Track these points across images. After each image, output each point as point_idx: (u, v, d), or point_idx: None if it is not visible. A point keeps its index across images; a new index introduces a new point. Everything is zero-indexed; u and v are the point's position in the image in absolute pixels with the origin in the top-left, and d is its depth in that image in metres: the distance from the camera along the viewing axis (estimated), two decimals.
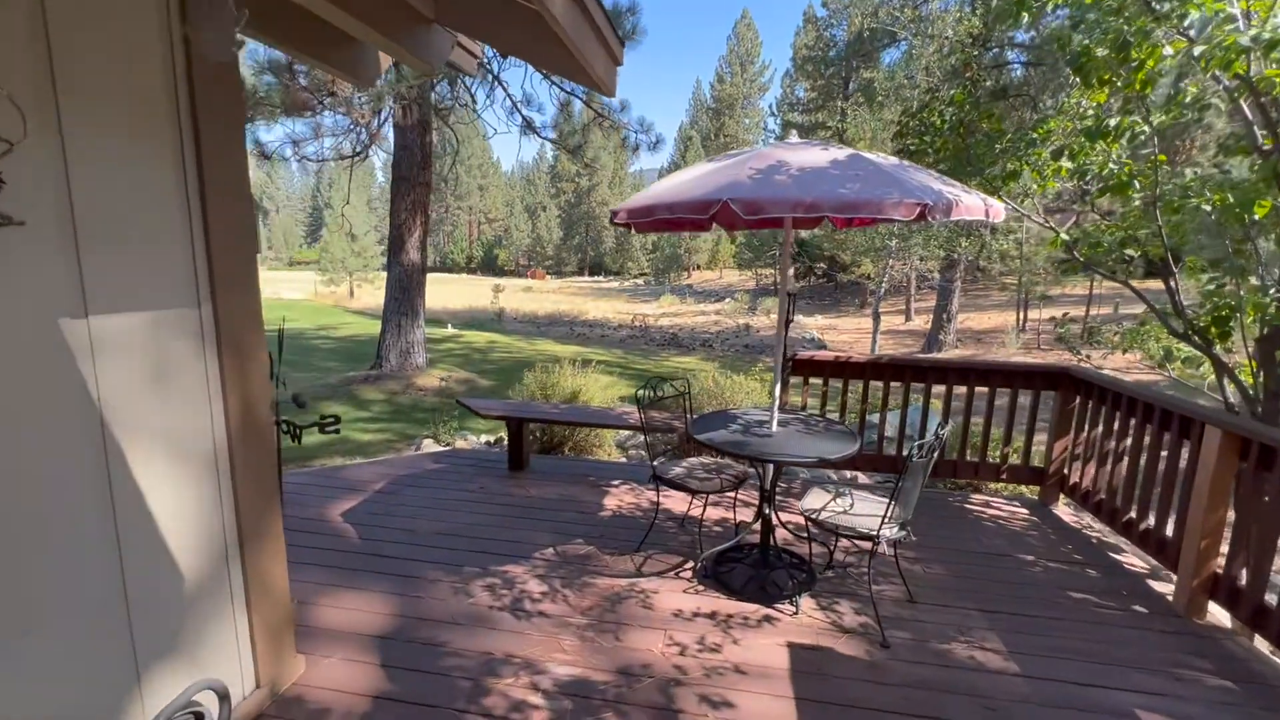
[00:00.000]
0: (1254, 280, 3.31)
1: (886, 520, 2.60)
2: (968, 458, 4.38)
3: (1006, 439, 4.31)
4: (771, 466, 3.03)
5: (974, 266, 19.97)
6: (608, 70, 2.32)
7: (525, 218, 65.92)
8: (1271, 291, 3.20)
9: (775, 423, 3.12)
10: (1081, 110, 4.20)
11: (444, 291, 32.45)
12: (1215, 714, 2.24)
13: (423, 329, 10.53)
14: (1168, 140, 4.42)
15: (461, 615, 2.74)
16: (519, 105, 10.04)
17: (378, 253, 31.44)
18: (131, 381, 1.65)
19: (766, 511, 3.11)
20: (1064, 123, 4.30)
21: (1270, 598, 2.56)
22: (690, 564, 3.23)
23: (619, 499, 4.10)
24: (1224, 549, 2.82)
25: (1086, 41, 3.51)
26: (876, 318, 19.11)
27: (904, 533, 2.68)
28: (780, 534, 3.49)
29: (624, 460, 5.60)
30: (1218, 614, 2.87)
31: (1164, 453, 3.17)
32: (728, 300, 33.44)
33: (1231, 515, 2.86)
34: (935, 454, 2.63)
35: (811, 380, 4.52)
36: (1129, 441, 3.42)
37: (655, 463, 3.34)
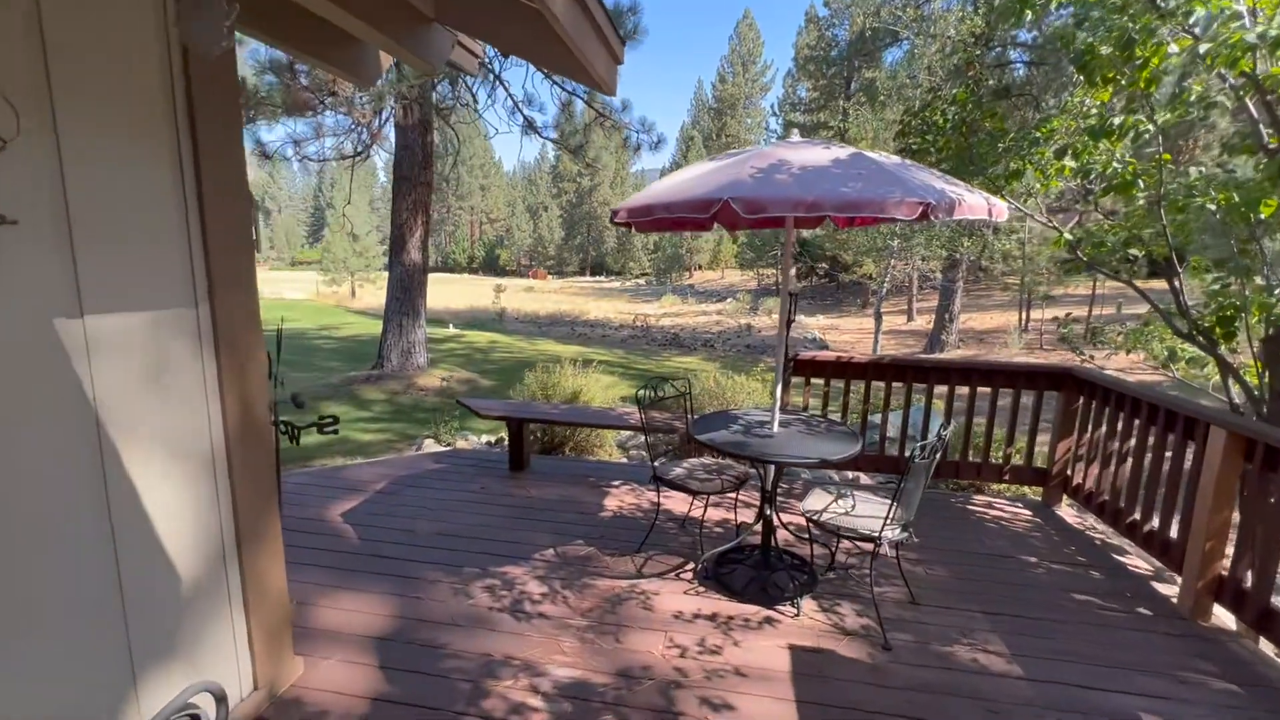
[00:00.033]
0: (1259, 280, 3.29)
1: (888, 521, 2.58)
2: (970, 458, 4.36)
3: (1009, 440, 4.29)
4: (773, 467, 3.02)
5: (976, 266, 19.95)
6: (608, 69, 2.31)
7: (527, 218, 65.99)
8: (1277, 291, 3.18)
9: (776, 423, 3.11)
10: (1085, 109, 4.18)
11: (446, 291, 32.50)
12: (1220, 718, 2.22)
13: (424, 329, 10.53)
14: (1171, 139, 4.40)
15: (461, 616, 2.73)
16: (520, 105, 10.05)
17: (379, 253, 31.52)
18: (128, 381, 1.64)
19: (768, 512, 3.09)
20: (1067, 121, 4.28)
21: (1276, 600, 2.53)
22: (691, 565, 3.22)
23: (620, 500, 4.09)
24: (1229, 551, 2.80)
25: (1091, 39, 3.49)
26: (878, 318, 19.09)
27: (906, 534, 2.66)
28: (781, 535, 3.47)
29: (625, 461, 5.59)
30: (1223, 616, 2.85)
31: (1168, 454, 3.15)
32: (729, 300, 33.42)
33: (1236, 517, 2.84)
34: (937, 455, 2.61)
35: (813, 380, 4.50)
36: (1133, 442, 3.40)
37: (656, 463, 3.33)
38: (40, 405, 1.45)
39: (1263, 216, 3.03)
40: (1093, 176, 3.87)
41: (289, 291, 33.73)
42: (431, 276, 11.97)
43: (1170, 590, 3.07)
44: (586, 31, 2.05)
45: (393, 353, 10.29)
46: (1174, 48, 3.22)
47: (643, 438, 3.99)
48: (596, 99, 10.05)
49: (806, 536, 3.43)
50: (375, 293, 27.77)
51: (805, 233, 16.15)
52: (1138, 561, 3.39)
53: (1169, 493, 3.10)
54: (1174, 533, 3.07)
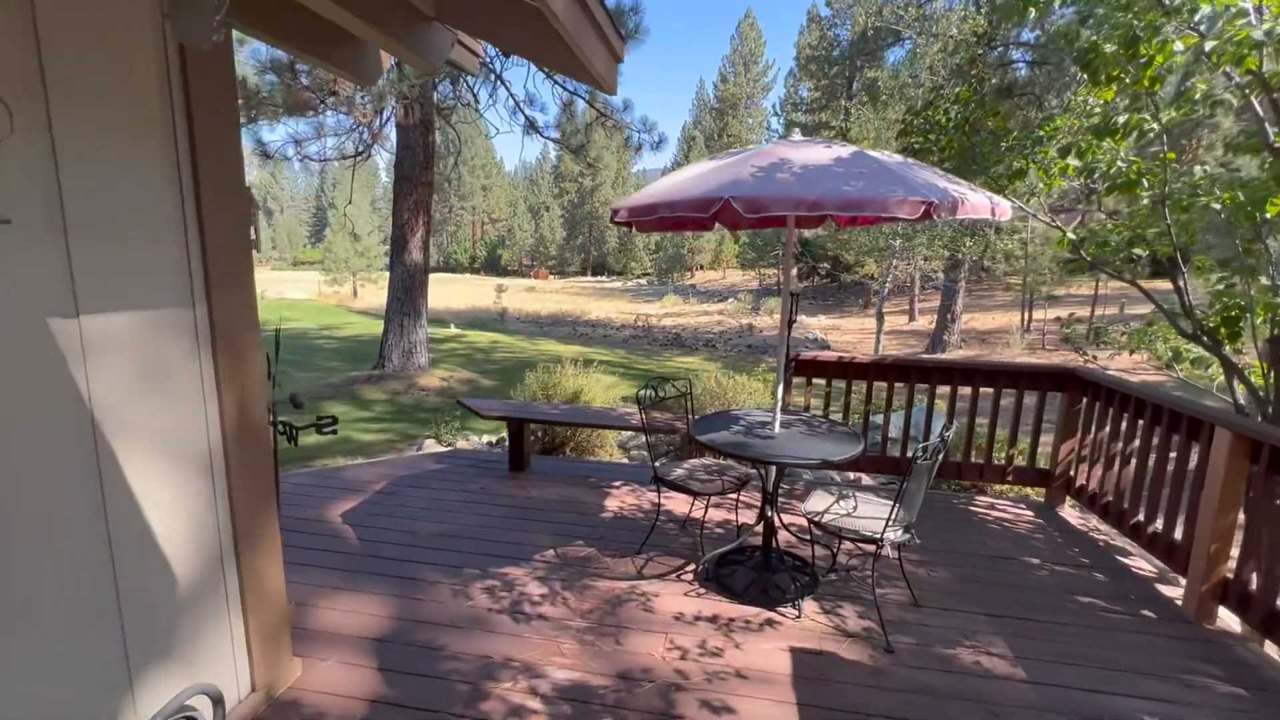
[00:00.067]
0: (1264, 280, 3.27)
1: (890, 523, 2.56)
2: (972, 459, 4.34)
3: (1012, 440, 4.27)
4: (774, 468, 3.00)
5: (978, 266, 19.88)
6: (608, 67, 2.30)
7: (528, 218, 66.00)
8: None
9: (778, 424, 3.09)
10: (1089, 108, 4.15)
11: (447, 291, 32.53)
12: None
13: (425, 329, 10.53)
14: (1175, 138, 4.37)
15: (460, 618, 2.71)
16: (521, 105, 10.04)
17: (381, 253, 31.52)
18: (124, 382, 1.63)
19: (769, 513, 3.08)
20: (1071, 120, 4.26)
21: None
22: (692, 566, 3.20)
23: (620, 500, 4.08)
24: (1234, 553, 2.78)
25: (1094, 37, 3.46)
26: (880, 318, 19.04)
27: (908, 535, 2.64)
28: (783, 536, 3.46)
29: (625, 461, 5.57)
30: (1228, 619, 2.82)
31: (1172, 455, 3.12)
32: (731, 300, 33.39)
33: (1242, 518, 2.82)
34: (939, 456, 2.59)
35: (815, 381, 4.48)
36: (1137, 443, 3.38)
37: (657, 464, 3.32)
38: (35, 406, 1.44)
39: (1268, 216, 3.00)
40: (1096, 176, 3.84)
41: (291, 291, 33.80)
42: (433, 276, 11.98)
43: (1174, 593, 3.04)
44: (586, 29, 2.03)
45: (394, 353, 10.29)
46: (1179, 45, 3.19)
47: (643, 438, 3.97)
48: (598, 99, 10.04)
49: (808, 538, 3.41)
50: (377, 293, 27.79)
51: (807, 232, 16.12)
52: (1141, 564, 3.37)
53: (1173, 494, 3.08)
54: (1178, 535, 3.05)
